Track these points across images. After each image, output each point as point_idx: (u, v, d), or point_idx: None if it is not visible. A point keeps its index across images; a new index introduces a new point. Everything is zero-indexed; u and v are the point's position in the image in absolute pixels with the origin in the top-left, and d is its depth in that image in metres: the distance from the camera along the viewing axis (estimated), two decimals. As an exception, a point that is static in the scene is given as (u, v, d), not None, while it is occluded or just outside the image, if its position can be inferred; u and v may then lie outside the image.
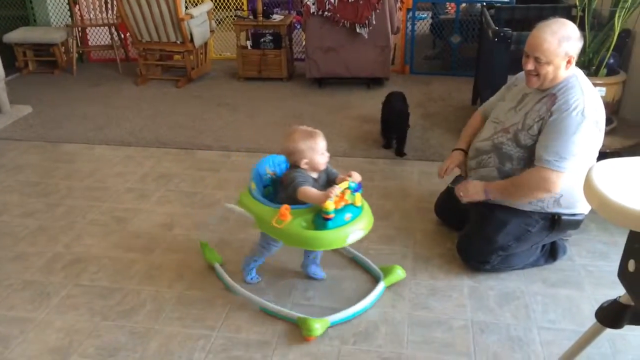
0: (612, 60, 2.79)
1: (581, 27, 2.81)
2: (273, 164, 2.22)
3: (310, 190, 1.88)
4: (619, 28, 2.71)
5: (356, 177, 1.91)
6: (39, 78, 5.03)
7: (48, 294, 2.15)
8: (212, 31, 5.07)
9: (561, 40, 1.97)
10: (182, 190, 2.94)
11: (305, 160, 1.95)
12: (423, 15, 5.81)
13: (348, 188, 1.85)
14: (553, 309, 2.03)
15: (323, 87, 4.60)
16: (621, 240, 1.31)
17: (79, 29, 5.35)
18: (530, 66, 2.03)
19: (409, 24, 4.94)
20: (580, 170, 1.99)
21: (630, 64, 3.10)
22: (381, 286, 2.11)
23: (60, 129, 3.80)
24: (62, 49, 5.12)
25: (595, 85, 2.73)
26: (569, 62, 2.01)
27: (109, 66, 5.34)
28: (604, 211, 1.14)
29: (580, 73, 2.09)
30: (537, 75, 2.03)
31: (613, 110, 2.85)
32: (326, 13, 4.29)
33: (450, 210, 2.53)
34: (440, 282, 2.19)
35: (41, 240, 2.51)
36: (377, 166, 3.17)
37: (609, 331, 1.84)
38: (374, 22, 4.29)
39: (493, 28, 3.22)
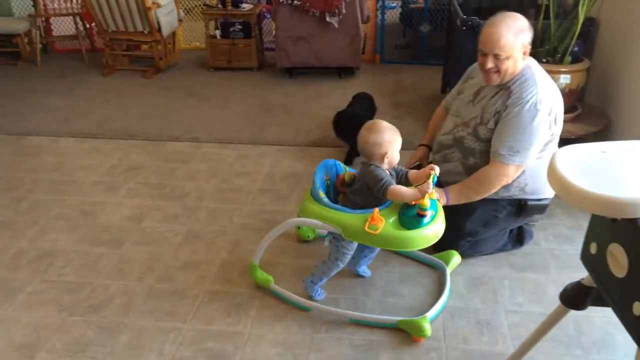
0: (576, 48, 2.83)
1: (546, 15, 2.87)
2: (328, 169, 2.07)
3: (401, 189, 1.82)
4: (583, 16, 2.76)
5: (437, 169, 1.85)
6: (1, 70, 4.88)
7: (13, 290, 2.10)
8: (180, 20, 4.99)
9: (517, 33, 1.99)
10: (152, 183, 2.90)
11: (388, 153, 1.88)
12: (393, 5, 5.82)
13: (434, 180, 1.80)
14: (520, 293, 2.07)
15: (294, 77, 4.58)
16: (585, 224, 1.33)
17: (43, 18, 5.20)
18: (490, 64, 2.03)
19: (378, 12, 4.94)
20: (535, 160, 2.05)
21: (594, 52, 3.16)
22: (448, 273, 2.11)
23: (25, 122, 3.70)
24: (26, 40, 4.98)
25: (560, 72, 2.80)
26: (524, 53, 2.04)
27: (74, 57, 5.21)
28: (566, 196, 1.16)
29: (534, 63, 2.11)
30: (498, 71, 2.05)
31: (578, 97, 2.90)
32: (296, 2, 4.26)
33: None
34: (411, 269, 2.21)
35: (5, 235, 2.45)
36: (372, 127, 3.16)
37: (573, 313, 1.89)
38: (343, 11, 4.28)
39: (461, 17, 3.25)
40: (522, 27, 2.01)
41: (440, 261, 2.17)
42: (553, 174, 1.19)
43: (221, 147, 3.31)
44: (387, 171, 1.90)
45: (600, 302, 1.30)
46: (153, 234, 2.46)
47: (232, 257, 2.28)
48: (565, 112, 2.80)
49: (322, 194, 1.94)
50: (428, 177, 1.80)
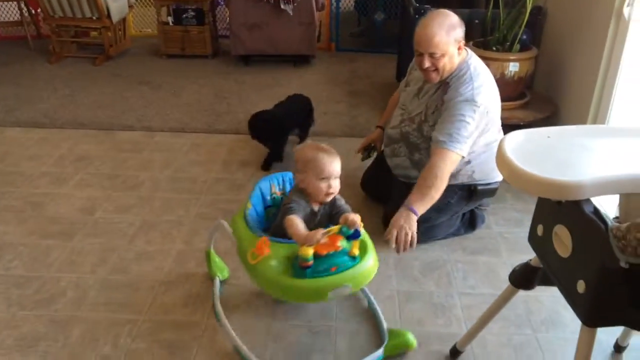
0: (524, 37, 2.91)
1: (496, 4, 2.93)
2: (282, 181, 1.91)
3: (295, 224, 1.54)
4: (530, 5, 2.83)
5: (352, 221, 1.54)
6: (-61, 56, 4.65)
7: (-41, 286, 2.02)
8: (130, 6, 4.86)
9: (449, 29, 2.03)
10: (103, 173, 2.83)
11: (300, 178, 1.64)
12: (348, -8, 5.82)
13: (340, 233, 1.54)
14: (472, 275, 2.13)
15: (249, 65, 4.54)
16: (534, 208, 1.38)
17: (-17, 3, 4.98)
18: (427, 63, 2.06)
19: (333, 0, 4.93)
20: (474, 148, 2.11)
21: (542, 40, 3.25)
22: (378, 353, 1.71)
23: (-34, 111, 3.55)
24: (-35, 25, 4.76)
25: (509, 60, 2.87)
26: (459, 48, 2.08)
27: (18, 44, 5.00)
28: (514, 180, 1.20)
29: (473, 56, 2.16)
30: (436, 70, 2.08)
31: (526, 84, 2.99)
32: (250, -12, 4.21)
33: (376, 185, 2.59)
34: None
35: (-52, 229, 2.35)
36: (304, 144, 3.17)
37: (523, 294, 1.95)
38: (298, -2, 4.26)
39: (414, 5, 3.28)
40: (454, 22, 2.05)
41: (386, 335, 1.78)
42: (501, 159, 1.23)
43: (175, 136, 3.26)
44: (312, 204, 1.65)
45: (547, 281, 1.36)
46: (106, 225, 2.41)
47: (189, 247, 2.26)
48: (514, 99, 2.90)
49: (249, 204, 1.77)
50: (346, 225, 1.53)
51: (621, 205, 1.18)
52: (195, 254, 2.21)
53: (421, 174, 2.06)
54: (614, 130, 1.42)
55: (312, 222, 1.65)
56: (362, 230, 1.60)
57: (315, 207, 1.68)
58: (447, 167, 2.03)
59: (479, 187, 2.25)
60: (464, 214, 2.36)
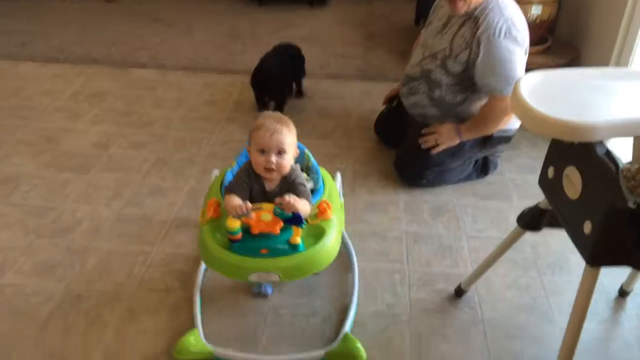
0: (549, -21, 2.81)
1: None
2: None
3: (228, 197, 1.43)
4: (557, -54, 2.72)
5: (286, 203, 1.35)
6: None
7: (-23, 214, 2.08)
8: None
9: None
10: (117, 110, 2.84)
11: (248, 148, 1.52)
12: None
13: (275, 215, 1.38)
14: (482, 220, 2.15)
15: (263, 4, 4.44)
16: (547, 152, 1.38)
17: None
18: None
19: (352, -62, 4.76)
20: None
21: (567, -16, 3.14)
22: (317, 355, 1.57)
23: (-20, 45, 3.54)
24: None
25: (531, 3, 2.78)
26: None
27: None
28: (527, 121, 1.18)
29: None
30: None
31: (548, 28, 2.90)
32: None
33: (389, 128, 2.57)
34: (378, 197, 2.26)
35: (-34, 160, 2.40)
36: (319, 86, 3.14)
37: (531, 238, 1.99)
38: None
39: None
40: None
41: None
42: (515, 99, 1.21)
43: (188, 75, 3.24)
44: (264, 180, 1.50)
45: (554, 224, 1.37)
46: (120, 160, 2.44)
47: (200, 185, 2.28)
48: (535, 44, 2.82)
49: (233, 162, 1.66)
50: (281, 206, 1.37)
51: (634, 149, 1.17)
52: (206, 191, 2.23)
53: (479, 113, 2.15)
54: (634, 73, 1.39)
55: (259, 197, 1.49)
56: (333, 218, 1.48)
57: (271, 185, 1.51)
58: (503, 115, 2.08)
59: (495, 134, 2.23)
60: (476, 160, 2.35)
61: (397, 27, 4.07)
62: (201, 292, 1.76)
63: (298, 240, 1.39)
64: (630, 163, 1.15)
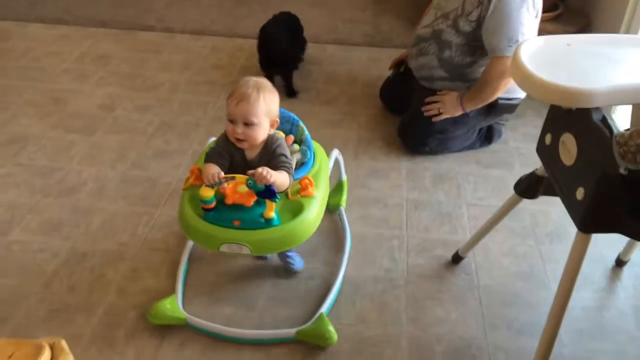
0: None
1: None
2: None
3: (206, 165, 1.41)
4: None
5: (259, 175, 1.30)
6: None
7: (-15, 172, 2.12)
8: None
9: None
10: (123, 72, 2.84)
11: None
12: None
13: (248, 187, 1.34)
14: (483, 188, 2.15)
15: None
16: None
17: None
18: None
19: None
20: None
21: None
22: (289, 333, 1.54)
23: (-11, 5, 3.53)
24: None
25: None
26: None
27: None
28: (526, 86, 1.18)
29: None
30: None
31: (561, -5, 2.85)
32: None
33: (395, 95, 2.56)
34: (381, 164, 2.26)
35: (-26, 119, 2.43)
36: (325, 51, 3.11)
37: (531, 207, 2.00)
38: None
39: None
40: None
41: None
42: (515, 64, 1.20)
43: (195, 38, 3.22)
44: (245, 149, 1.46)
45: (550, 191, 1.37)
46: (125, 122, 2.45)
47: (205, 148, 2.29)
48: (546, 11, 2.76)
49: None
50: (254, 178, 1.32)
51: (632, 116, 1.16)
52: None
53: (480, 78, 2.12)
54: (638, 40, 1.37)
55: (237, 166, 1.45)
56: (315, 195, 1.45)
57: (252, 154, 1.46)
58: (501, 77, 2.05)
59: (500, 102, 2.20)
60: (480, 129, 2.34)
61: (408, -7, 3.99)
62: (201, 253, 1.79)
63: (271, 214, 1.36)
64: (626, 130, 1.15)
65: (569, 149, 1.19)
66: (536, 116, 2.56)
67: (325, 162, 1.65)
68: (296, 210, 1.42)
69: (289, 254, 1.69)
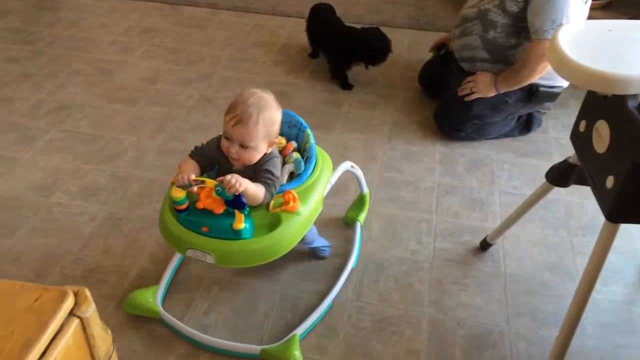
0: None
1: None
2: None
3: (184, 162, 1.38)
4: None
5: (227, 182, 1.20)
6: None
7: (33, 137, 2.21)
8: None
9: None
10: (167, 46, 2.90)
11: None
12: None
13: (216, 193, 1.24)
14: (518, 177, 2.11)
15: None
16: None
17: None
18: None
19: None
20: None
21: None
22: (253, 350, 1.45)
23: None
24: None
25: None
26: None
27: None
28: (562, 70, 1.15)
29: None
30: None
31: (614, -17, 2.74)
32: None
33: (433, 79, 2.53)
34: (414, 147, 2.25)
35: (25, 86, 2.53)
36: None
37: (566, 198, 1.96)
38: None
39: None
40: None
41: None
42: (552, 48, 1.18)
43: (238, 15, 3.25)
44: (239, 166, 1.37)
45: (582, 180, 1.34)
46: (166, 95, 2.51)
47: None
48: (597, -2, 2.67)
49: None
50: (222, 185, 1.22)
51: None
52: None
53: (520, 56, 2.08)
54: (686, 28, 1.31)
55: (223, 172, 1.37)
56: (300, 209, 1.33)
57: (238, 165, 1.36)
58: (539, 59, 1.99)
59: (541, 89, 2.15)
60: (520, 116, 2.29)
61: (456, -24, 3.91)
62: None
63: (240, 225, 1.25)
64: (665, 120, 1.11)
65: (602, 137, 1.16)
66: (579, 106, 2.48)
67: (326, 176, 1.49)
68: (274, 224, 1.31)
69: (315, 245, 1.66)
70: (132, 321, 1.53)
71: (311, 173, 1.45)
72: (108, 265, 1.70)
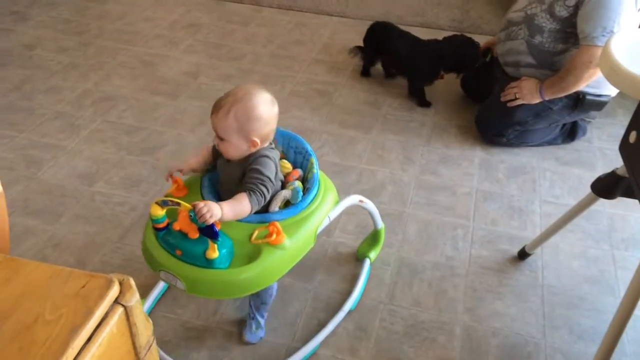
0: None
1: None
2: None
3: (189, 154, 1.41)
4: None
5: (198, 210, 1.13)
6: None
7: (78, 125, 2.27)
8: None
9: None
10: (210, 42, 2.94)
11: None
12: None
13: (190, 218, 1.16)
14: (560, 186, 2.07)
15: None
16: None
17: None
18: None
19: None
20: None
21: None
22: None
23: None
24: None
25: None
26: None
27: None
28: (614, 78, 1.12)
29: None
30: None
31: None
32: None
33: (477, 83, 2.49)
34: (453, 151, 2.22)
35: (73, 76, 2.60)
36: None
37: (610, 210, 1.91)
38: None
39: None
40: None
41: None
42: (605, 54, 1.14)
43: (282, 12, 3.27)
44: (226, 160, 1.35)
45: (629, 193, 1.30)
46: (207, 90, 2.55)
47: (280, 122, 2.33)
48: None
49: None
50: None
51: None
52: (284, 128, 2.30)
53: (567, 62, 2.02)
54: None
55: (224, 172, 1.35)
56: (284, 243, 1.23)
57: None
58: (585, 66, 1.94)
59: (587, 97, 2.10)
60: (564, 124, 2.24)
61: (503, -21, 3.84)
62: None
63: (213, 255, 1.16)
64: None
65: (654, 149, 1.12)
66: (627, 116, 2.40)
67: (324, 209, 1.36)
68: (253, 256, 1.21)
69: (257, 313, 1.48)
70: (166, 312, 1.56)
71: (307, 205, 1.33)
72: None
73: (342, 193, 1.96)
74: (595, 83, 2.04)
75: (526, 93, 2.10)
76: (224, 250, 1.18)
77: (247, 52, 2.85)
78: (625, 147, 1.26)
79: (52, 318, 0.69)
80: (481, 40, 2.61)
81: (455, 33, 2.52)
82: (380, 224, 1.69)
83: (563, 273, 1.72)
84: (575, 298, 1.65)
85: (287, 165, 1.43)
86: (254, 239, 1.22)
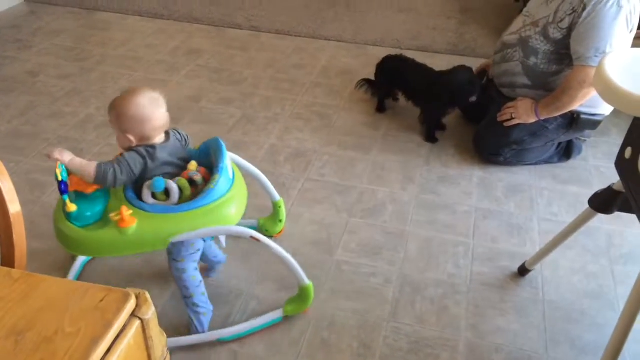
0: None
1: None
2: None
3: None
4: None
5: (51, 153, 1.37)
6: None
7: (81, 150, 2.30)
8: None
9: None
10: (211, 67, 2.99)
11: None
12: None
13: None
14: (557, 203, 2.10)
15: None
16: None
17: None
18: None
19: None
20: None
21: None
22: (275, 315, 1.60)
23: (95, -2, 3.83)
24: None
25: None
26: None
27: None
28: (607, 95, 1.16)
29: None
30: None
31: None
32: None
33: (473, 104, 2.54)
34: (452, 171, 2.26)
35: (75, 101, 2.64)
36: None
37: (608, 227, 1.94)
38: None
39: None
40: None
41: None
42: (599, 73, 1.19)
43: (280, 38, 3.34)
44: None
45: (627, 208, 1.33)
46: (209, 114, 2.59)
47: (281, 142, 2.39)
48: (641, 28, 2.66)
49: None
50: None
51: None
52: (285, 149, 2.34)
53: (562, 82, 2.07)
54: None
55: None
56: (128, 231, 1.31)
57: None
58: (580, 86, 1.99)
59: (582, 117, 2.15)
60: (560, 143, 2.28)
61: (496, 3, 3.94)
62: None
63: (69, 208, 1.31)
64: None
65: (648, 164, 1.16)
66: (620, 135, 2.45)
67: (193, 224, 1.35)
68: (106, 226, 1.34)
69: (188, 309, 1.52)
70: (175, 326, 1.57)
71: (182, 211, 1.34)
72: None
73: (344, 212, 2.01)
74: (590, 102, 2.09)
75: (522, 113, 2.15)
76: (87, 213, 1.33)
77: (247, 76, 2.90)
78: (621, 163, 1.30)
79: (71, 330, 0.71)
80: (475, 63, 2.68)
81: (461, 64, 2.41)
82: (306, 281, 1.56)
83: (563, 288, 1.74)
84: (576, 313, 1.67)
85: (194, 164, 1.50)
86: (111, 215, 1.33)
